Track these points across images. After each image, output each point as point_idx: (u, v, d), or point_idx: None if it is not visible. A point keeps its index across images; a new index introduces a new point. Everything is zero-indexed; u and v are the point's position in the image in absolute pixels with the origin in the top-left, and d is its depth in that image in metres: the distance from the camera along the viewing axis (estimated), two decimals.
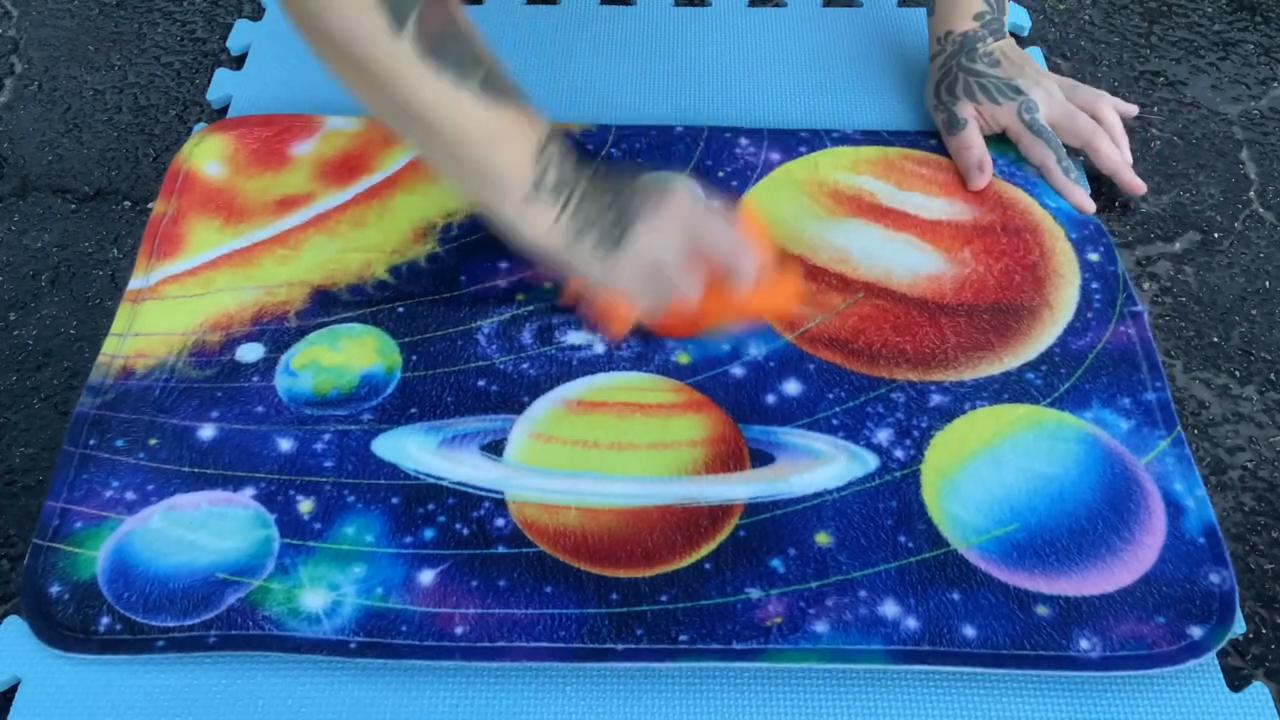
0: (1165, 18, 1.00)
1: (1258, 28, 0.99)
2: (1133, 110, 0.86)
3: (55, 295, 0.79)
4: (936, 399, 0.70)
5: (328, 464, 0.67)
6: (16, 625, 0.62)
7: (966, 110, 0.84)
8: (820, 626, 0.60)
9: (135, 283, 0.77)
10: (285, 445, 0.68)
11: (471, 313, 0.75)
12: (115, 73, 0.96)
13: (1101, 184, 0.86)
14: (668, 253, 0.67)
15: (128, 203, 0.85)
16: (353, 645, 0.60)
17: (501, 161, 0.64)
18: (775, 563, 0.63)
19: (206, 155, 0.84)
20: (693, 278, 0.68)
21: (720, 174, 0.83)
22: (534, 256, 0.70)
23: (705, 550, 0.64)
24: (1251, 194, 0.86)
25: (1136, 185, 0.83)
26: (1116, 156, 0.83)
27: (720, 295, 0.69)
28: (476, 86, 0.61)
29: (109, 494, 0.66)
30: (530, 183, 0.64)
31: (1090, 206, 0.82)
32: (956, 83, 0.85)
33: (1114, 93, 0.93)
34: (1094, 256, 0.78)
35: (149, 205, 0.85)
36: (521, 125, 0.64)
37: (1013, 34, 0.97)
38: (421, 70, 0.59)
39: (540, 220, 0.66)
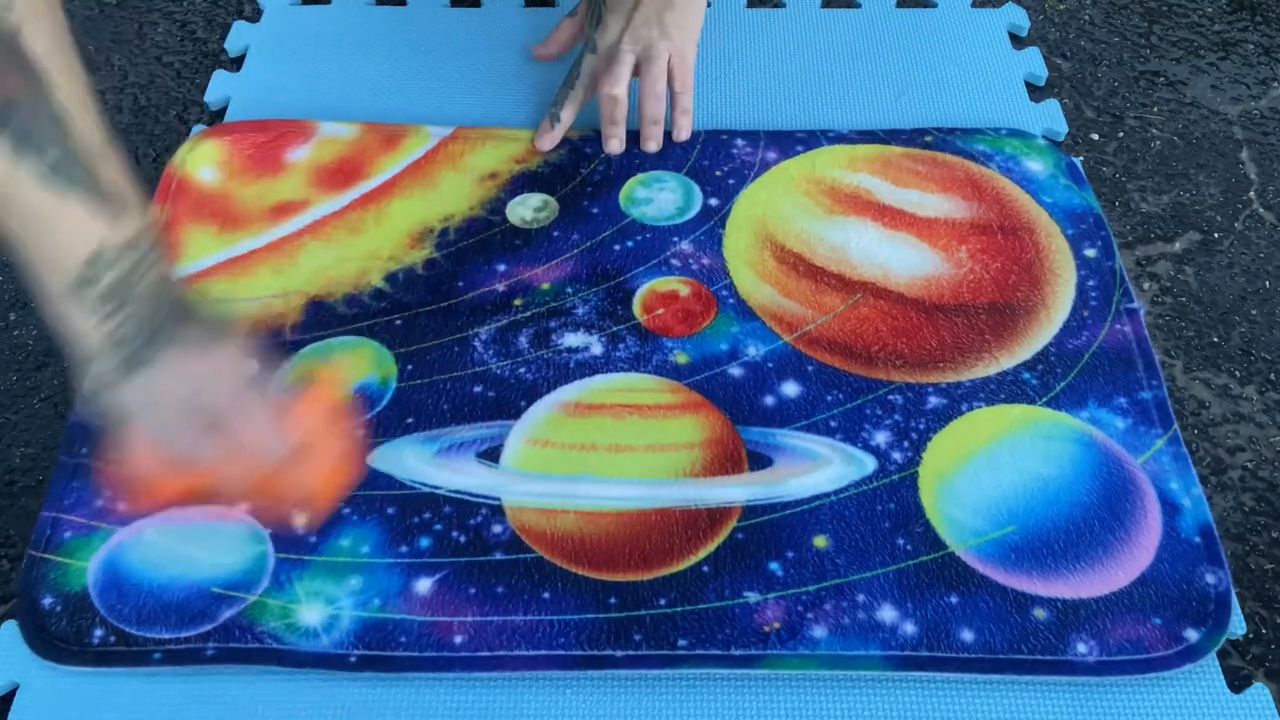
0: (1165, 18, 1.00)
1: (1258, 28, 0.99)
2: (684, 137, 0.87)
3: None
4: (934, 401, 0.70)
5: None
6: (14, 631, 0.62)
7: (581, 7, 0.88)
8: (818, 631, 0.60)
9: None
10: None
11: (469, 320, 0.75)
12: (115, 73, 0.96)
13: (1103, 184, 0.86)
14: (171, 398, 0.58)
15: None
16: (353, 659, 0.60)
17: (46, 252, 0.55)
18: (773, 566, 0.63)
19: (200, 161, 0.84)
20: (196, 435, 0.58)
21: (717, 173, 0.83)
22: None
23: (703, 553, 0.64)
24: (1251, 194, 0.86)
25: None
26: (611, 123, 0.85)
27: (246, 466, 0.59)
28: (44, 168, 0.53)
29: (99, 504, 0.66)
30: (71, 280, 0.55)
31: (541, 144, 0.85)
32: None
33: (1114, 93, 0.93)
34: (1091, 252, 0.78)
35: (149, 205, 0.85)
36: (83, 221, 0.55)
37: (1012, 35, 0.97)
38: None
39: (75, 320, 0.56)
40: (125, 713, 0.59)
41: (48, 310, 0.57)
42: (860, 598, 0.62)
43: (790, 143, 0.85)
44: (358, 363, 0.73)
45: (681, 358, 0.73)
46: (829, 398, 0.70)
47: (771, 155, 0.84)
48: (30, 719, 0.59)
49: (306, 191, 0.82)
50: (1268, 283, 0.80)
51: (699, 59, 0.92)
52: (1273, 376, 0.75)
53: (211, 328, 0.59)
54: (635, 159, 0.84)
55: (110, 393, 0.58)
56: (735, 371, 0.72)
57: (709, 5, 0.98)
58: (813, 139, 0.85)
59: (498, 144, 0.85)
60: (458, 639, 0.60)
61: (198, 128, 0.88)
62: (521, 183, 0.83)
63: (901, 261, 0.78)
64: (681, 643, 0.60)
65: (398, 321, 0.75)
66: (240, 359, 0.60)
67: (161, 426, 0.58)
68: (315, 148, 0.85)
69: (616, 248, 0.78)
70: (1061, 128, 0.88)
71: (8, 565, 0.66)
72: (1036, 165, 0.84)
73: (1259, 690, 0.60)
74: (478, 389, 0.71)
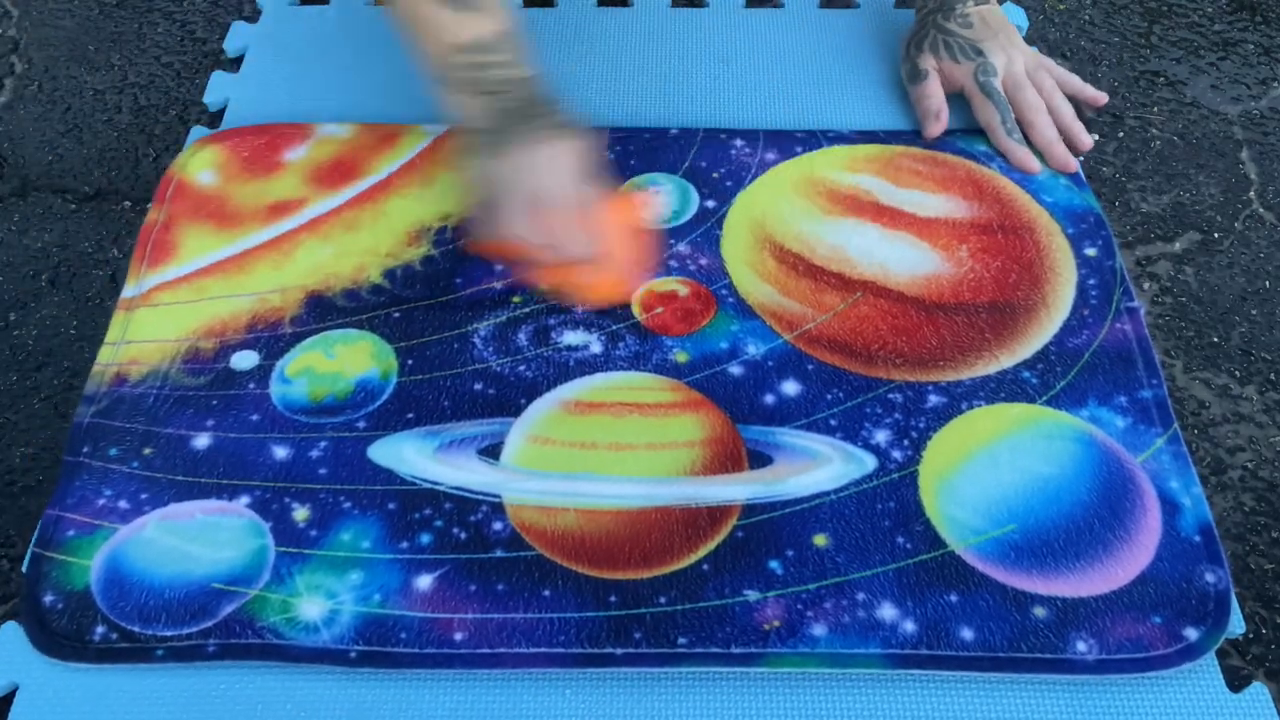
0: (1165, 18, 1.00)
1: (1258, 28, 0.99)
2: (1101, 99, 0.86)
3: (55, 295, 0.79)
4: (934, 399, 0.70)
5: (323, 471, 0.67)
6: (14, 631, 0.62)
7: (928, 62, 0.87)
8: (818, 630, 0.60)
9: (128, 291, 0.76)
10: (280, 453, 0.68)
11: (468, 316, 0.75)
12: (115, 73, 0.96)
13: (1103, 184, 0.86)
14: (512, 180, 0.72)
15: (128, 203, 0.86)
16: (353, 655, 0.60)
17: (429, 43, 0.72)
18: (773, 564, 0.63)
19: (200, 165, 0.84)
20: (522, 221, 0.72)
21: (715, 174, 0.83)
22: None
23: (703, 552, 0.64)
24: (1251, 194, 0.86)
25: (1066, 163, 0.84)
26: (1050, 134, 0.84)
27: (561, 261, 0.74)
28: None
29: (101, 502, 0.66)
30: (447, 64, 0.71)
31: (1033, 166, 0.84)
32: (926, 37, 0.88)
33: (1114, 93, 0.93)
34: (1091, 251, 0.78)
35: (149, 205, 0.85)
36: (455, 23, 0.71)
37: None
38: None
39: (445, 98, 0.73)
40: (124, 713, 0.59)
41: (432, 91, 0.74)
42: (860, 596, 0.62)
43: (790, 143, 0.85)
44: (358, 356, 0.73)
45: (681, 356, 0.73)
46: (829, 396, 0.70)
47: (771, 155, 0.84)
48: (30, 719, 0.59)
49: (303, 190, 0.82)
50: (1268, 283, 0.80)
51: (697, 60, 0.93)
52: (1273, 376, 0.75)
53: (562, 127, 0.72)
54: (630, 160, 0.84)
55: (475, 163, 0.73)
56: (735, 370, 0.72)
57: (706, 5, 0.99)
58: (812, 139, 0.85)
59: None
60: (458, 636, 0.60)
61: (197, 128, 0.88)
62: None
63: (902, 260, 0.78)
64: (681, 641, 0.60)
65: (395, 315, 0.75)
66: (576, 159, 0.73)
67: (505, 201, 0.72)
68: (312, 147, 0.85)
69: None
70: None
71: (8, 565, 0.66)
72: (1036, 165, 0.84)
73: (1258, 690, 0.60)
74: (478, 386, 0.71)
